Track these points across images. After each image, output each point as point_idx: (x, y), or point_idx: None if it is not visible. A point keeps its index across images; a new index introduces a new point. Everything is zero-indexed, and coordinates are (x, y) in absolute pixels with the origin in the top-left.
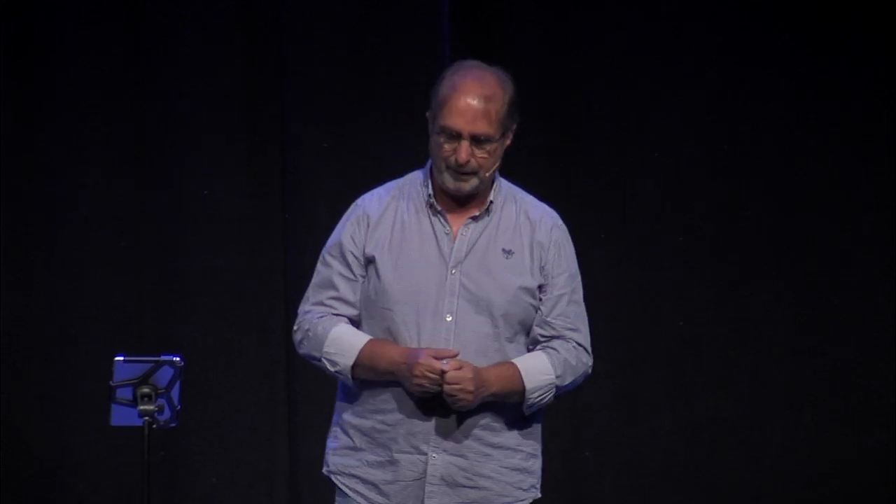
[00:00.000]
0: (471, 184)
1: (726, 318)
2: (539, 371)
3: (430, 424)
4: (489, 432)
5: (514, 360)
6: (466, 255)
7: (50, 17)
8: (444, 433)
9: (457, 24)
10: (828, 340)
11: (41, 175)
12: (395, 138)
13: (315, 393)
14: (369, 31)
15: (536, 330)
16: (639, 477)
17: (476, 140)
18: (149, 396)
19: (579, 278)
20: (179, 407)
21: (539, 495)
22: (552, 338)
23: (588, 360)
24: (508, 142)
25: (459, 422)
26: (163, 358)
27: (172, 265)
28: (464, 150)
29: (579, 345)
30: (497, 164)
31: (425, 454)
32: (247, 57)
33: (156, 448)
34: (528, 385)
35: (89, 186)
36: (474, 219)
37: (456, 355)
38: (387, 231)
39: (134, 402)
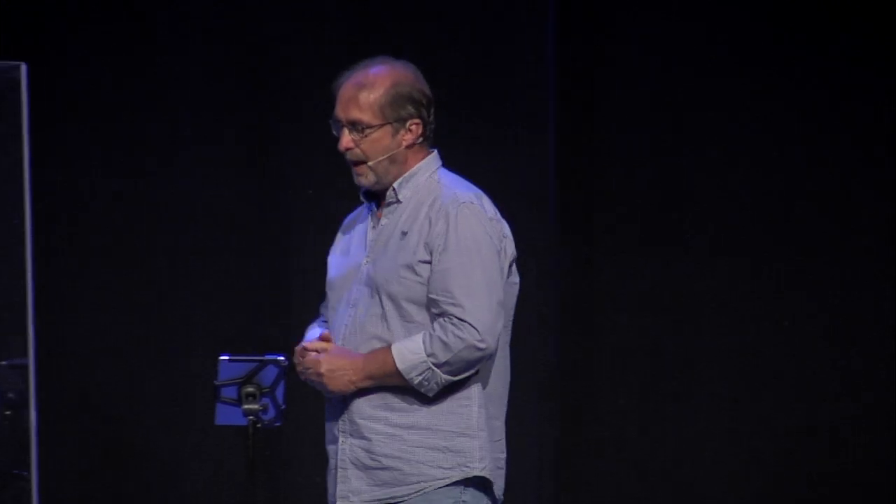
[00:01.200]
0: (366, 177)
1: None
2: (410, 351)
3: (342, 412)
4: (395, 413)
5: (393, 343)
6: (375, 244)
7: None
8: (350, 418)
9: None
10: None
11: (159, 177)
12: (506, 148)
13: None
14: (476, 54)
15: (430, 308)
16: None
17: (352, 126)
18: (253, 396)
19: (477, 254)
20: (284, 406)
21: (473, 474)
22: (438, 315)
23: (471, 336)
24: (409, 134)
25: (365, 406)
26: (267, 357)
27: (277, 265)
28: (343, 138)
29: (461, 320)
30: (389, 154)
31: (337, 441)
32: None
33: (260, 447)
34: (401, 366)
35: (201, 186)
36: (387, 206)
37: (327, 341)
38: (346, 230)
39: (238, 402)
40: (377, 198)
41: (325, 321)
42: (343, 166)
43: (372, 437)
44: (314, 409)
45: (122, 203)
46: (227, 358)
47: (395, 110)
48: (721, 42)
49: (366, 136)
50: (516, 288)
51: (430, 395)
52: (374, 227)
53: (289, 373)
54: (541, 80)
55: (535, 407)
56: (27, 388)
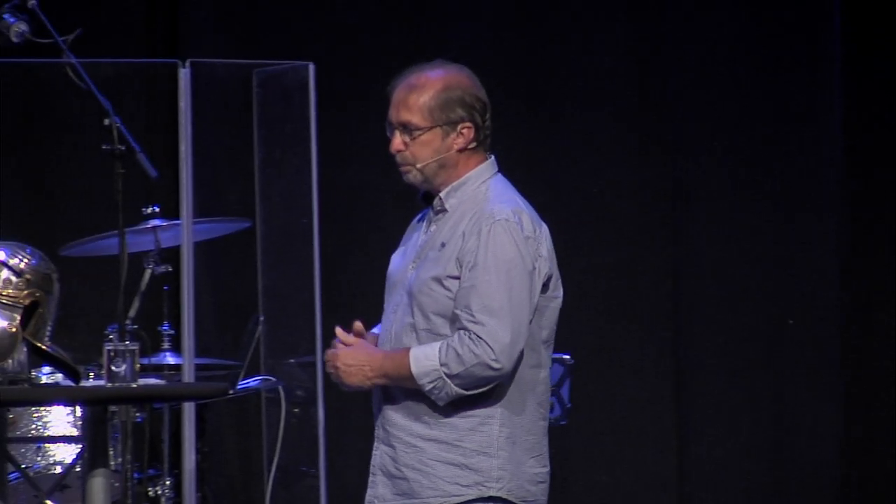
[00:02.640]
0: (412, 175)
1: None
2: (426, 356)
3: (378, 417)
4: (420, 425)
5: (413, 349)
6: (421, 251)
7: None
8: (383, 425)
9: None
10: None
11: None
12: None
13: (706, 395)
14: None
15: (454, 322)
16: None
17: (403, 128)
18: None
19: (506, 273)
20: (569, 405)
21: (489, 493)
22: (458, 329)
23: (485, 354)
24: (460, 138)
25: (396, 415)
26: (553, 356)
27: (561, 262)
28: (394, 140)
29: (478, 337)
30: (439, 157)
31: (374, 444)
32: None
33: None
34: (415, 370)
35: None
36: (436, 215)
37: (360, 335)
38: (409, 231)
39: None
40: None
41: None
42: (624, 164)
43: (397, 445)
44: (599, 407)
45: (404, 201)
46: None
47: (444, 113)
48: None
49: (414, 138)
50: (558, 303)
51: (441, 404)
52: (425, 232)
53: (574, 372)
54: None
55: None
56: (315, 385)
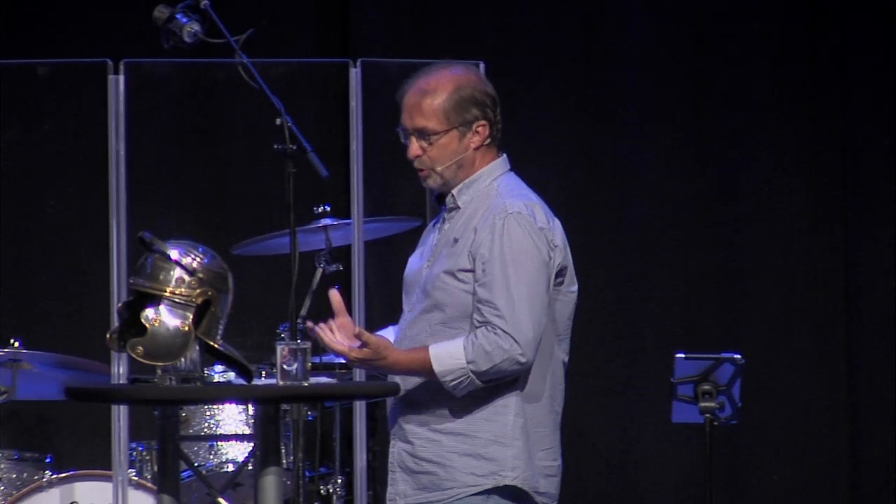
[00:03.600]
0: (432, 180)
1: None
2: (450, 355)
3: (395, 415)
4: (436, 418)
5: (431, 344)
6: (436, 249)
7: None
8: (399, 423)
9: None
10: None
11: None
12: None
13: (879, 396)
14: None
15: (473, 315)
16: None
17: (419, 134)
18: (709, 394)
19: (522, 266)
20: (740, 404)
21: (505, 482)
22: (480, 324)
23: (513, 348)
24: (476, 136)
25: (411, 411)
26: (723, 355)
27: (731, 263)
28: (410, 146)
29: (504, 332)
30: (458, 158)
31: (390, 442)
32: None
33: (717, 445)
34: (438, 368)
35: (651, 187)
36: (448, 213)
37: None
38: (426, 231)
39: (695, 399)
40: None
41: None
42: (793, 166)
43: (415, 441)
44: (770, 407)
45: (574, 201)
46: (683, 356)
47: (459, 114)
48: None
49: (432, 143)
50: (573, 296)
51: (457, 396)
52: (439, 231)
53: (744, 371)
54: None
55: None
56: None
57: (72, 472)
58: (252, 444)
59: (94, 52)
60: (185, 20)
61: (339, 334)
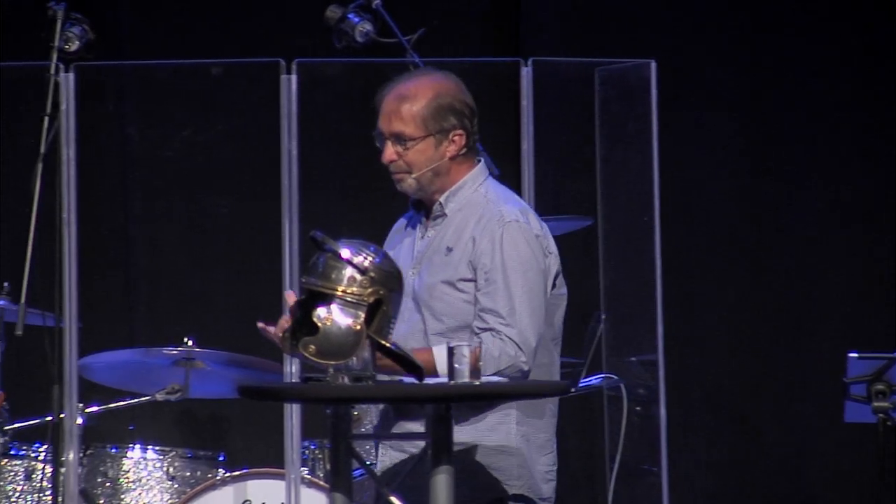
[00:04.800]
0: (407, 183)
1: None
2: None
3: (387, 423)
4: None
5: (435, 347)
6: (423, 256)
7: None
8: (392, 431)
9: None
10: None
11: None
12: None
13: None
14: None
15: (474, 322)
16: None
17: (395, 139)
18: (883, 393)
19: (523, 274)
20: None
21: (512, 492)
22: (484, 330)
23: (517, 356)
24: (452, 145)
25: (406, 419)
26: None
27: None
28: (386, 150)
29: (510, 339)
30: (433, 165)
31: (379, 453)
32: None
33: (890, 445)
34: (441, 368)
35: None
36: (434, 220)
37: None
38: (396, 236)
39: (868, 399)
40: (425, 207)
41: None
42: None
43: (413, 451)
44: None
45: (738, 201)
46: (856, 355)
47: (437, 122)
48: None
49: (408, 148)
50: (564, 300)
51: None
52: (421, 237)
53: None
54: None
55: None
56: (656, 384)
57: (244, 471)
58: (424, 443)
59: (266, 52)
60: (356, 20)
61: None
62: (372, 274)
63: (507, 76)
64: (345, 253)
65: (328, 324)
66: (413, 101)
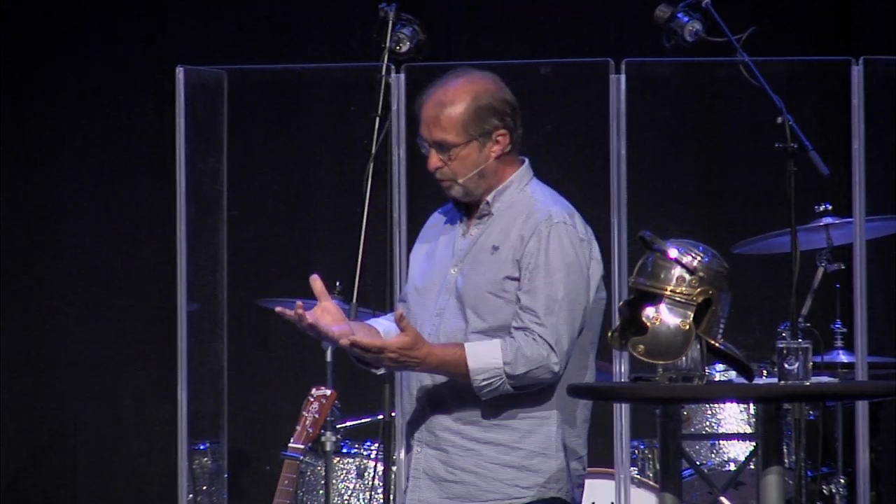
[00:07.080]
0: (455, 191)
1: None
2: (487, 354)
3: (421, 422)
4: (475, 428)
5: (467, 345)
6: (466, 254)
7: None
8: (430, 429)
9: None
10: None
11: None
12: None
13: None
14: None
15: (512, 321)
16: None
17: (439, 147)
18: None
19: (566, 276)
20: None
21: (550, 495)
22: (518, 329)
23: (549, 357)
24: (496, 145)
25: (446, 418)
26: None
27: None
28: (430, 158)
29: (543, 340)
30: (479, 168)
31: (412, 450)
32: None
33: None
34: (473, 364)
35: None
36: (479, 219)
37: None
38: (432, 232)
39: None
40: (465, 204)
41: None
42: None
43: (450, 449)
44: None
45: None
46: None
47: (478, 125)
48: None
49: (452, 156)
50: (602, 304)
51: (483, 399)
52: (463, 235)
53: None
54: None
55: None
56: None
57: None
58: (754, 444)
59: (596, 51)
60: (686, 19)
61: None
62: (701, 273)
63: (836, 75)
64: (673, 252)
65: (657, 323)
66: (452, 107)
